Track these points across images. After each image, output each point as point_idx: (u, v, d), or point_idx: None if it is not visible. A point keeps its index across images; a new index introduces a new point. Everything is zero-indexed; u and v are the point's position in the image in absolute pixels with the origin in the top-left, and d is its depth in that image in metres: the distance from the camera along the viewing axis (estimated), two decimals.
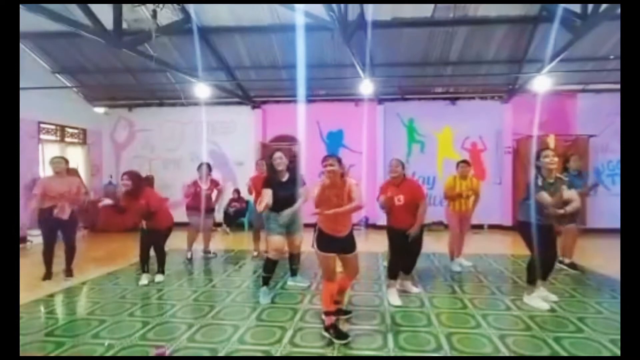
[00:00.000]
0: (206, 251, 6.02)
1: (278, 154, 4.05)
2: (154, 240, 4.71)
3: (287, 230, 4.13)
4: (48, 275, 4.76)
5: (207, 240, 6.06)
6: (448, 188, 5.11)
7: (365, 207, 8.18)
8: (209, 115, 8.83)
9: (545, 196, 3.54)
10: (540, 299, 3.76)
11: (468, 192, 5.07)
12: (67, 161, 4.94)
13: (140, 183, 4.46)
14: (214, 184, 5.99)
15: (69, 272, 4.86)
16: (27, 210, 7.08)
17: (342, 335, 3.05)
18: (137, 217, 4.62)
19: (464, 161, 5.23)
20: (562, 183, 3.63)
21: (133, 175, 4.38)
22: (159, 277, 4.75)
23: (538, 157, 3.67)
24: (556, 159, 3.64)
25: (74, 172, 5.54)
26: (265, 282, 4.06)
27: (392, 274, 4.04)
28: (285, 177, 4.07)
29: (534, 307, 3.69)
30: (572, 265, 5.03)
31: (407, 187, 3.97)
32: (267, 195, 3.82)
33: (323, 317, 3.26)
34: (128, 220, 8.56)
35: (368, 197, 8.01)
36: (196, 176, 5.84)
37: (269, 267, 4.02)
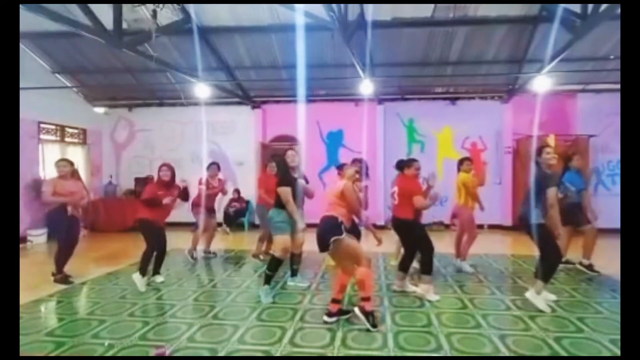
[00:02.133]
0: (207, 251, 6.02)
1: (291, 152, 4.22)
2: (163, 238, 4.66)
3: (291, 230, 4.18)
4: (66, 278, 4.63)
5: (210, 240, 6.07)
6: (473, 184, 4.97)
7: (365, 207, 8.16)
8: (209, 115, 8.84)
9: (554, 192, 3.53)
10: (544, 300, 3.73)
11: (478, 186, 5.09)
12: (72, 164, 4.86)
13: (175, 175, 4.78)
14: (222, 183, 6.04)
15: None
16: (31, 209, 7.13)
17: (377, 325, 3.26)
18: (165, 207, 4.61)
19: (468, 158, 5.20)
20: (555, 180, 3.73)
21: (171, 167, 4.74)
22: (160, 278, 4.72)
23: (539, 153, 3.68)
24: (556, 155, 3.69)
25: (76, 174, 5.54)
26: (268, 280, 4.05)
27: (430, 268, 4.08)
28: (296, 174, 4.21)
29: (536, 306, 3.65)
30: (590, 267, 4.93)
31: None
32: (290, 194, 4.03)
33: (353, 309, 3.41)
34: (128, 220, 8.60)
35: (368, 197, 8.03)
36: (203, 175, 5.88)
37: (274, 266, 4.03)
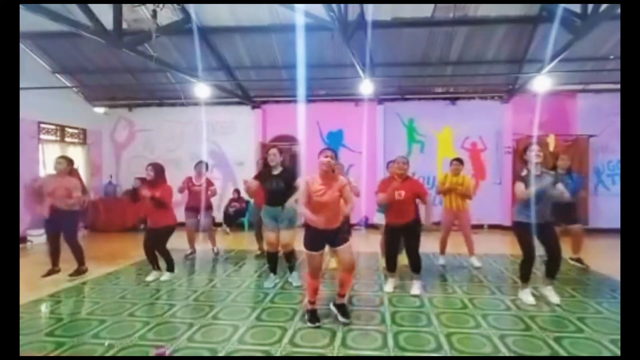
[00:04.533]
0: (213, 249, 6.08)
1: (272, 150, 4.26)
2: (155, 239, 4.72)
3: (277, 227, 4.28)
4: (48, 273, 4.72)
5: (212, 239, 6.08)
6: (439, 183, 5.46)
7: (365, 207, 8.22)
8: (209, 115, 8.83)
9: (520, 187, 3.67)
10: (529, 293, 3.88)
11: (457, 188, 5.20)
12: (69, 161, 4.88)
13: (161, 175, 4.69)
14: (208, 183, 5.98)
15: (79, 271, 4.85)
16: (31, 209, 7.14)
17: (311, 321, 3.35)
18: (147, 207, 4.64)
19: (457, 159, 5.40)
20: (551, 177, 3.73)
21: (157, 167, 4.67)
22: (165, 276, 4.76)
23: (525, 151, 3.81)
24: (541, 153, 3.75)
25: (74, 172, 5.52)
26: (272, 270, 4.51)
27: (389, 267, 4.32)
28: (277, 172, 4.23)
29: (522, 301, 3.84)
30: (579, 260, 5.16)
31: (409, 185, 4.11)
32: (252, 182, 4.26)
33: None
34: (128, 220, 8.61)
35: (368, 197, 8.05)
36: (192, 174, 5.88)
37: (268, 259, 4.53)
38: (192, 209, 5.80)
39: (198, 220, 5.93)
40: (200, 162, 5.96)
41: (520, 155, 4.01)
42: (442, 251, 5.45)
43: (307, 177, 3.30)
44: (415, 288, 4.19)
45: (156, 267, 4.84)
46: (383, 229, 4.55)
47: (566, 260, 5.12)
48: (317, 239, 3.29)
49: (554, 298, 3.85)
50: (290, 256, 4.55)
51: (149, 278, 4.74)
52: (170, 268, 4.89)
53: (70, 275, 4.78)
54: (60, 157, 4.88)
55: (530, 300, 3.81)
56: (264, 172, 4.28)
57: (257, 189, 4.36)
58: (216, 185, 6.30)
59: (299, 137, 8.74)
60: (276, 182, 4.19)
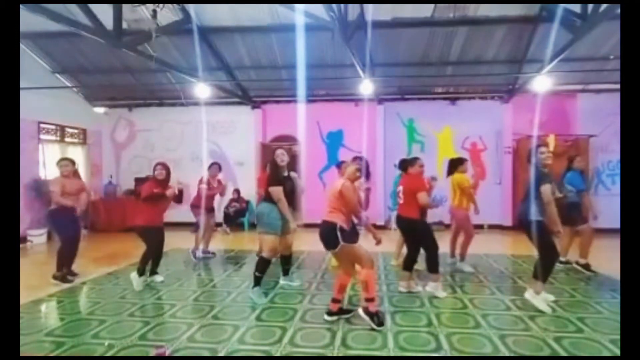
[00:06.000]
0: (205, 251, 6.02)
1: (280, 151, 4.19)
2: (161, 238, 4.68)
3: (281, 230, 4.13)
4: (65, 277, 4.67)
5: (209, 239, 6.07)
6: (469, 184, 5.03)
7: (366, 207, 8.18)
8: (209, 115, 8.83)
9: (548, 189, 3.56)
10: (544, 300, 3.71)
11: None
12: (73, 163, 4.86)
13: (170, 175, 4.72)
14: (222, 184, 6.05)
15: (70, 272, 4.86)
16: (31, 209, 7.14)
17: (383, 323, 3.28)
18: (163, 206, 4.65)
19: (465, 159, 5.25)
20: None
21: (166, 166, 4.69)
22: (159, 278, 4.72)
23: (535, 153, 3.72)
24: (551, 155, 3.70)
25: (76, 172, 5.58)
26: (257, 282, 4.02)
27: (437, 266, 4.11)
28: (286, 173, 4.19)
29: (536, 306, 3.65)
30: (587, 267, 4.94)
31: None
32: (281, 193, 3.99)
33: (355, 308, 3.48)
34: (128, 220, 8.60)
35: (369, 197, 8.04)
36: (204, 175, 5.89)
37: (263, 267, 4.00)
38: (207, 208, 5.84)
39: (211, 218, 5.98)
40: (215, 163, 6.02)
41: (526, 157, 3.93)
42: (464, 255, 5.18)
43: (346, 183, 3.33)
44: (417, 286, 4.25)
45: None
46: (410, 226, 4.24)
47: (571, 264, 5.08)
48: (355, 233, 3.46)
49: (549, 296, 3.82)
50: (291, 258, 4.53)
51: (140, 287, 4.41)
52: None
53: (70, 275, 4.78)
54: (65, 159, 4.81)
55: (547, 308, 3.63)
56: (279, 173, 4.10)
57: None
58: None
59: (299, 137, 8.74)
60: (291, 183, 4.15)
